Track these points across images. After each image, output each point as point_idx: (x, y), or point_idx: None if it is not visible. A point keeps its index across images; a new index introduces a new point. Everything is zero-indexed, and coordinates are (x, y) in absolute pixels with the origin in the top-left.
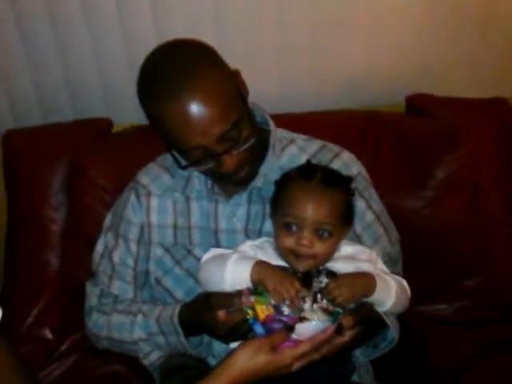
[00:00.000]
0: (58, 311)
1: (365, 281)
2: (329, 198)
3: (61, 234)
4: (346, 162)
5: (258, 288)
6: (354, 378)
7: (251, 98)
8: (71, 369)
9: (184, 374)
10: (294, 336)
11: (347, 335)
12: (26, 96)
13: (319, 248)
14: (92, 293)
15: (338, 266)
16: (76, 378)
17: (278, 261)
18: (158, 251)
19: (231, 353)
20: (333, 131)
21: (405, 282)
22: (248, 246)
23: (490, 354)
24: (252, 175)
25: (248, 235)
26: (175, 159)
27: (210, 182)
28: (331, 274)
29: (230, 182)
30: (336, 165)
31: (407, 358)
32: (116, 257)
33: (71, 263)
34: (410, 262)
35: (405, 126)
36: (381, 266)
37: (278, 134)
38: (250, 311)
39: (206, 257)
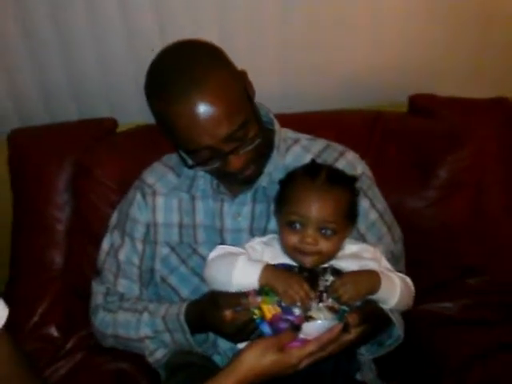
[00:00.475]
0: (63, 309)
1: (369, 278)
2: (333, 197)
3: (66, 233)
4: (351, 162)
5: (264, 288)
6: (357, 376)
7: None
8: (77, 366)
9: (189, 372)
10: (300, 335)
11: (353, 333)
12: (31, 96)
13: (323, 246)
14: (98, 291)
15: (344, 264)
16: (82, 375)
17: (284, 258)
18: (163, 250)
19: (239, 353)
20: (336, 131)
21: (409, 280)
22: (256, 243)
23: (493, 353)
24: (257, 174)
25: (253, 234)
26: (182, 159)
27: (215, 182)
28: (337, 273)
29: (235, 181)
30: (340, 164)
31: (410, 356)
32: (122, 255)
33: (76, 262)
34: (413, 260)
35: (408, 126)
36: (385, 264)
37: (282, 134)
38: (256, 311)
39: (212, 254)
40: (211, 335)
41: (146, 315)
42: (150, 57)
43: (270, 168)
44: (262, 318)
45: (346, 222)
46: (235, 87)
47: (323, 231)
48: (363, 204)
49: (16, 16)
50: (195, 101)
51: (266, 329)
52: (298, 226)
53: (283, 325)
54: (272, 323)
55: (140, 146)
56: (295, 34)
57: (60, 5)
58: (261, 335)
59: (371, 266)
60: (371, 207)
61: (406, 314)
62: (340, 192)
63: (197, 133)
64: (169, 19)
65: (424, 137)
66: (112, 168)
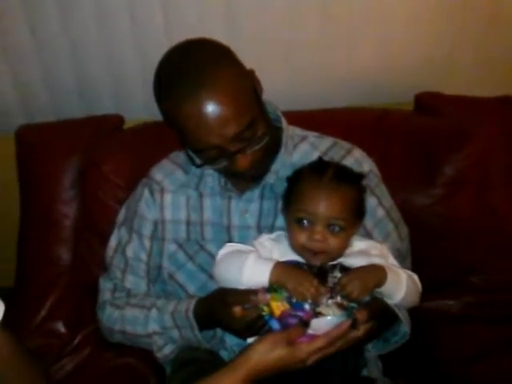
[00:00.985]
0: (70, 305)
1: (376, 272)
2: (341, 194)
3: (73, 229)
4: (358, 159)
5: (272, 285)
6: (363, 372)
7: None
8: (84, 362)
9: (196, 367)
10: (309, 331)
11: (361, 329)
12: (37, 92)
13: (332, 242)
14: (105, 287)
15: (352, 261)
16: (89, 371)
17: (293, 255)
18: (171, 247)
19: (248, 346)
20: (343, 129)
21: (415, 276)
22: (265, 239)
23: (497, 351)
24: (264, 172)
25: (260, 231)
26: (190, 158)
27: (223, 179)
28: (345, 270)
29: (242, 178)
30: (348, 162)
31: (415, 353)
32: (129, 251)
33: (83, 258)
34: (418, 257)
35: (414, 124)
36: (392, 260)
37: (290, 131)
38: (265, 308)
39: (222, 253)
40: (219, 331)
41: (154, 311)
42: (156, 53)
43: (277, 165)
44: (271, 314)
45: (354, 218)
46: (243, 86)
47: (331, 228)
48: (370, 201)
49: (23, 13)
50: (203, 101)
51: (275, 325)
52: (306, 223)
53: (292, 321)
54: (281, 319)
55: (147, 143)
56: (302, 33)
57: (67, 2)
58: (269, 331)
59: (378, 262)
60: (378, 205)
61: (411, 311)
62: (348, 189)
63: (205, 132)
64: (175, 17)
65: (430, 135)
66: (119, 164)
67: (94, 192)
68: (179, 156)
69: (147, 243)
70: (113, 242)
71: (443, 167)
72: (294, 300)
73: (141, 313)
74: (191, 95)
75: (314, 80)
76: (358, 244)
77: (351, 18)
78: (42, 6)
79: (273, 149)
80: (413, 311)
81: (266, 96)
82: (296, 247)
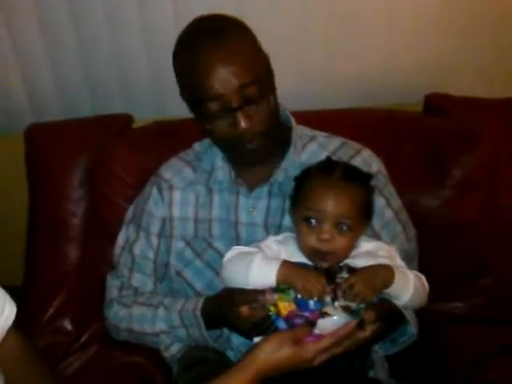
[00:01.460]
0: (78, 303)
1: (383, 272)
2: (348, 193)
3: (81, 228)
4: (366, 160)
5: (279, 286)
6: (370, 374)
7: None
8: (91, 360)
9: (203, 367)
10: (316, 331)
11: (368, 330)
12: (46, 91)
13: (339, 242)
14: (112, 285)
15: (359, 262)
16: (96, 368)
17: (300, 257)
18: (179, 244)
19: (255, 346)
20: (351, 129)
21: (423, 277)
22: (271, 242)
23: (504, 352)
24: (262, 149)
25: (267, 229)
26: (196, 112)
27: (233, 174)
28: (352, 271)
29: (242, 154)
30: (356, 162)
31: (422, 355)
32: (137, 249)
33: (91, 256)
34: (425, 259)
35: (423, 125)
36: (399, 262)
37: (298, 131)
38: (272, 308)
39: (229, 255)
40: (225, 331)
41: (161, 310)
42: (165, 53)
43: (286, 164)
44: (278, 314)
45: (362, 218)
46: (256, 51)
47: (339, 227)
48: (379, 202)
49: (32, 12)
50: (217, 48)
51: (281, 324)
52: (314, 221)
53: (299, 321)
54: (288, 319)
55: (156, 142)
56: (311, 34)
57: (77, 1)
58: (276, 331)
59: (386, 263)
60: (387, 206)
61: (418, 312)
62: (356, 188)
63: (212, 79)
64: (185, 15)
65: (439, 136)
66: (128, 163)
67: (103, 191)
68: (188, 154)
69: (155, 241)
70: (120, 240)
71: (452, 168)
72: (301, 300)
73: (148, 311)
74: (208, 43)
75: (322, 80)
76: (366, 245)
77: (359, 18)
78: (52, 6)
79: (275, 130)
80: (420, 312)
81: None
82: (304, 248)
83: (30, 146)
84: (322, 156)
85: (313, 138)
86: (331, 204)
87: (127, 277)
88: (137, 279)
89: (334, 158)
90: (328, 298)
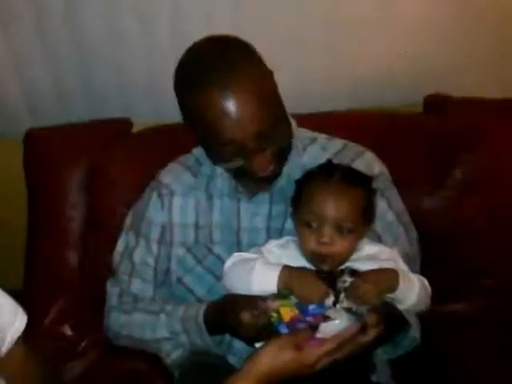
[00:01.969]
0: (78, 309)
1: (388, 276)
2: (349, 195)
3: (81, 233)
4: (368, 162)
5: (281, 292)
6: (373, 378)
7: None
8: (92, 365)
9: (204, 372)
10: (318, 335)
11: (371, 334)
12: (44, 96)
13: (339, 245)
14: (112, 292)
15: (361, 265)
16: (96, 374)
17: (301, 261)
18: (179, 251)
19: (256, 351)
20: (352, 131)
21: (426, 281)
22: (273, 246)
23: (508, 355)
24: (276, 174)
25: (270, 234)
26: (207, 153)
27: (233, 182)
28: (354, 273)
29: (254, 180)
30: (358, 164)
31: (425, 357)
32: (136, 256)
33: (91, 261)
34: (428, 261)
35: (423, 126)
36: (402, 265)
37: (299, 134)
38: (274, 314)
39: (229, 262)
40: (227, 336)
41: (163, 316)
42: (163, 57)
43: (287, 168)
44: (280, 320)
45: (362, 221)
46: (270, 85)
47: (340, 230)
48: (380, 205)
49: (31, 18)
50: (233, 93)
51: (284, 330)
52: (314, 225)
53: (301, 325)
54: (290, 325)
55: (156, 146)
56: (310, 35)
57: (75, 3)
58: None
59: (388, 267)
60: (388, 208)
61: (421, 315)
62: (356, 191)
63: (228, 125)
64: (183, 20)
65: (440, 137)
66: (127, 168)
67: (102, 195)
68: (188, 159)
69: (155, 247)
70: (120, 246)
71: (453, 169)
72: (303, 305)
73: (149, 318)
74: (218, 84)
75: (322, 82)
76: (367, 249)
77: (359, 20)
78: (49, 10)
79: (287, 154)
80: (423, 315)
81: None
82: (305, 251)
83: (28, 151)
84: (324, 158)
85: (314, 141)
86: (331, 207)
87: (127, 283)
88: (136, 286)
89: (336, 160)
90: (330, 302)
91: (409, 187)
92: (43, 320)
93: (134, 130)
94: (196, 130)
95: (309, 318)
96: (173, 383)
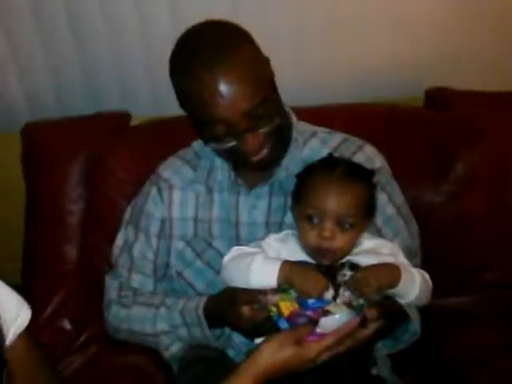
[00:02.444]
0: (76, 302)
1: (390, 271)
2: (351, 190)
3: (80, 227)
4: (369, 156)
5: (281, 286)
6: (373, 371)
7: None
8: (91, 359)
9: (204, 366)
10: (318, 330)
11: (371, 328)
12: (43, 90)
13: (341, 239)
14: (111, 286)
15: (361, 259)
16: (95, 368)
17: (301, 255)
18: (179, 245)
19: (257, 347)
20: (352, 125)
21: (427, 275)
22: (272, 240)
23: (508, 348)
24: (272, 161)
25: (269, 228)
26: (200, 134)
27: (233, 174)
28: (354, 267)
29: (249, 164)
30: (358, 158)
31: (424, 350)
32: (136, 251)
33: (90, 255)
34: (429, 255)
35: (425, 120)
36: (403, 259)
37: (299, 127)
38: (273, 308)
39: (228, 256)
40: (227, 329)
41: (163, 309)
42: (162, 50)
43: (287, 161)
44: (280, 314)
45: (364, 215)
46: (261, 66)
47: (341, 224)
48: (381, 198)
49: (30, 11)
50: (221, 70)
51: (283, 325)
52: (315, 219)
53: (301, 320)
54: (289, 319)
55: (155, 140)
56: (311, 28)
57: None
58: (278, 331)
59: (389, 261)
60: (388, 201)
61: (421, 308)
62: (358, 185)
63: (218, 103)
64: (182, 14)
65: (440, 130)
66: (127, 162)
67: (101, 189)
68: (187, 153)
69: (154, 241)
70: (119, 240)
71: (455, 163)
72: (303, 299)
73: (149, 311)
74: (208, 63)
75: (322, 75)
76: (367, 243)
77: (360, 12)
78: (49, 5)
79: (283, 140)
80: (423, 308)
81: None
82: (306, 246)
83: (26, 145)
84: (324, 152)
85: (314, 134)
86: (333, 202)
87: (126, 278)
88: (136, 280)
89: (336, 154)
90: (330, 296)
91: (409, 181)
92: (42, 314)
93: (133, 124)
94: (189, 111)
95: (309, 313)
96: (172, 377)
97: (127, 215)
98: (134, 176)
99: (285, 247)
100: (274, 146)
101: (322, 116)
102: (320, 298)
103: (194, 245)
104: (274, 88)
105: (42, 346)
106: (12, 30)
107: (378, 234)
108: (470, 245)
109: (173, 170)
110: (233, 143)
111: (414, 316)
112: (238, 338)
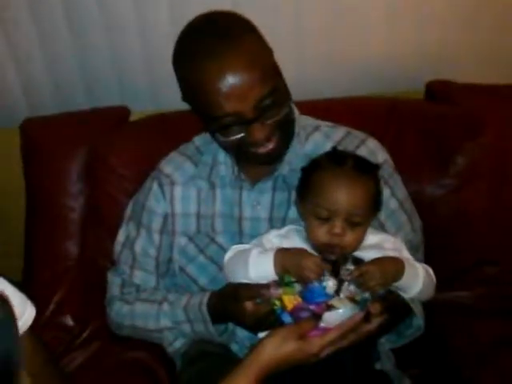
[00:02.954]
0: (78, 299)
1: (394, 264)
2: (360, 186)
3: (80, 223)
4: (372, 149)
5: (284, 279)
6: (377, 366)
7: None
8: (93, 356)
9: (207, 361)
10: (321, 324)
11: (374, 322)
12: (42, 85)
13: (350, 235)
14: (113, 282)
15: (365, 254)
16: (98, 364)
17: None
18: (181, 240)
19: (260, 341)
20: (353, 118)
21: (430, 270)
22: (273, 236)
23: (509, 343)
24: (277, 155)
25: (272, 223)
26: (208, 127)
27: (236, 168)
28: (358, 262)
29: (254, 157)
30: (362, 152)
31: (428, 345)
32: (138, 247)
33: (91, 251)
34: (431, 248)
35: (426, 113)
36: (406, 254)
37: (302, 121)
38: (277, 302)
39: (228, 255)
40: (230, 325)
41: (165, 305)
42: (161, 45)
43: (290, 156)
44: (283, 308)
45: (372, 211)
46: (267, 55)
47: (351, 221)
48: (384, 192)
49: (27, 6)
50: (228, 61)
51: (287, 318)
52: (325, 215)
53: (304, 314)
54: (293, 313)
55: (155, 135)
56: (310, 22)
57: None
58: (282, 325)
59: (392, 255)
60: (391, 196)
61: (423, 303)
62: (367, 180)
63: (227, 96)
64: (181, 8)
65: (441, 124)
66: (126, 157)
67: (101, 185)
68: (188, 148)
69: (156, 237)
70: (121, 237)
71: (456, 156)
72: (307, 293)
73: (152, 308)
74: (217, 56)
75: (323, 69)
76: (371, 238)
77: (361, 5)
78: (47, 1)
79: (288, 133)
80: (426, 302)
81: None
82: (314, 242)
83: (25, 141)
84: (327, 146)
85: (317, 128)
86: (343, 199)
87: (128, 274)
88: (138, 277)
89: (339, 148)
90: (333, 290)
91: (411, 175)
92: (44, 311)
93: (132, 119)
94: (195, 104)
95: (312, 307)
96: (175, 372)
97: (129, 211)
98: (133, 171)
99: (286, 243)
100: (280, 138)
101: (323, 110)
102: (319, 280)
103: (196, 240)
104: (281, 78)
105: (45, 344)
106: (9, 26)
107: (381, 228)
108: (471, 239)
109: (174, 165)
110: (241, 134)
111: (418, 311)
112: (241, 333)
